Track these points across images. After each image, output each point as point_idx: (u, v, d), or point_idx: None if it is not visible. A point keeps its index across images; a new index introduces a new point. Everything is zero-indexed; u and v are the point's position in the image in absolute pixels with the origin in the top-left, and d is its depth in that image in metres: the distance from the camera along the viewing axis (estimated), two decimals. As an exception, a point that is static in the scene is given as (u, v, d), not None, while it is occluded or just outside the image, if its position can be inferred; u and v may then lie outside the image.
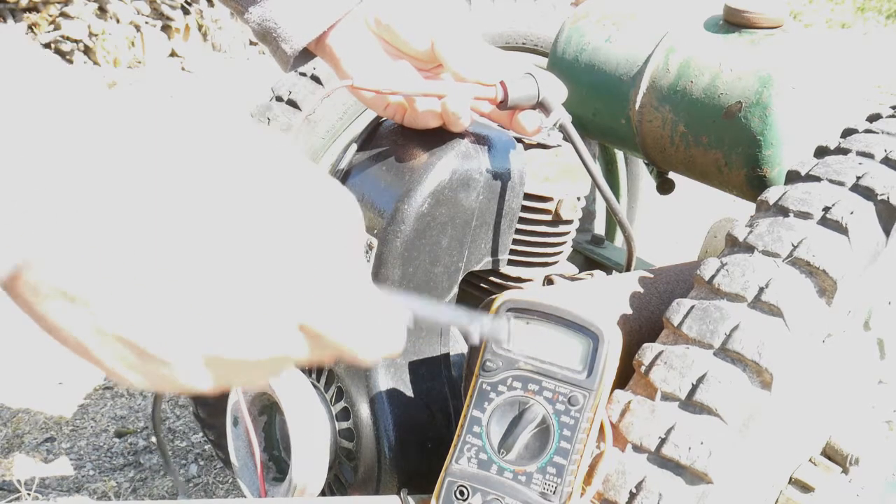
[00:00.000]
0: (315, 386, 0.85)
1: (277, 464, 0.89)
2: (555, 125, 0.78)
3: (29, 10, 3.85)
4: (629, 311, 0.74)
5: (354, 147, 0.87)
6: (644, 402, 0.63)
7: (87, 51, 4.06)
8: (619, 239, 1.58)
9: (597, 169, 0.83)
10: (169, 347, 0.36)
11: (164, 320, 0.36)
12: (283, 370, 0.41)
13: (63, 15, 3.88)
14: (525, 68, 0.78)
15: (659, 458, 0.60)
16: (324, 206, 0.39)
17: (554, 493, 0.59)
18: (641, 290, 0.77)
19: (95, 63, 4.04)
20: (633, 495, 0.59)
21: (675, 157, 1.02)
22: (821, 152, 0.77)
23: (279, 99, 1.19)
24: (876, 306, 0.73)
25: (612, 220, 1.57)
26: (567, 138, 0.80)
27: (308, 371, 0.87)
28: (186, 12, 4.31)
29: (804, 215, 0.67)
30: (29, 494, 1.66)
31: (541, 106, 0.77)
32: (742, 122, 0.92)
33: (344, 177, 0.85)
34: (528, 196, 0.85)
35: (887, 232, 0.68)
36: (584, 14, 1.11)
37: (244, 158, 0.37)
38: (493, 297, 0.67)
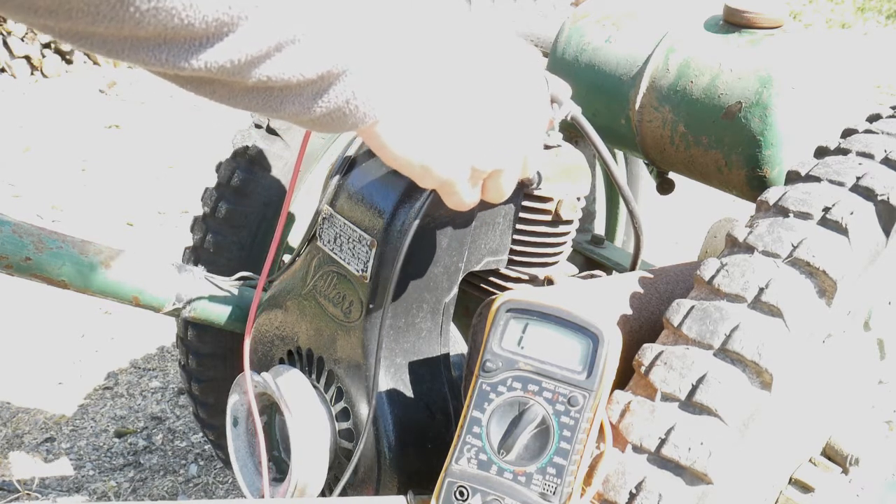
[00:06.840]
0: (315, 386, 0.85)
1: (277, 464, 0.89)
2: (566, 117, 0.78)
3: (29, 9, 3.85)
4: (629, 311, 0.74)
5: (354, 147, 0.87)
6: (644, 403, 0.62)
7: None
8: (619, 239, 1.58)
9: (610, 157, 0.83)
10: (447, 166, 0.59)
11: (443, 144, 0.57)
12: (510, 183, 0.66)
13: (63, 15, 3.88)
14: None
15: (659, 459, 0.60)
16: (533, 84, 0.63)
17: (554, 493, 0.59)
18: (641, 290, 0.77)
19: (95, 63, 4.05)
20: (632, 496, 0.59)
21: (675, 157, 1.02)
22: (821, 152, 0.77)
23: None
24: (876, 306, 0.73)
25: (612, 220, 1.57)
26: (580, 130, 0.80)
27: (308, 371, 0.87)
28: (186, 12, 4.31)
29: (804, 216, 0.67)
30: (29, 494, 1.66)
31: (551, 101, 0.77)
32: (742, 122, 0.92)
33: (345, 176, 0.85)
34: (528, 196, 0.85)
35: (887, 232, 0.68)
36: (584, 14, 1.11)
37: (500, 49, 0.59)
38: (493, 297, 0.67)
